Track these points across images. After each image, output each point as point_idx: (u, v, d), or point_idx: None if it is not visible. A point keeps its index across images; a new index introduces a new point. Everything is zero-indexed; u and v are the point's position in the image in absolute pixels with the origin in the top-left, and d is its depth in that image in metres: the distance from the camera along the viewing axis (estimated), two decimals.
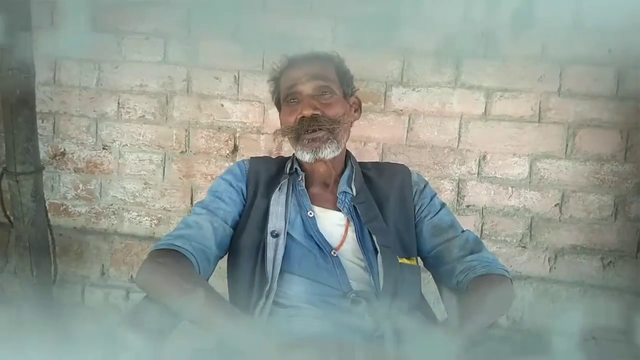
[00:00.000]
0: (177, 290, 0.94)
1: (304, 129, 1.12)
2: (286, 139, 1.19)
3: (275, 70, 1.23)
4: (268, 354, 0.86)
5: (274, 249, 1.08)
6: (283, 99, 1.18)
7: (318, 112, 1.11)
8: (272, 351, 0.85)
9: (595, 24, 1.69)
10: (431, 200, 1.21)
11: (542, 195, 1.79)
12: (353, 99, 1.25)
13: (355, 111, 1.25)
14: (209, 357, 1.08)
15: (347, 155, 1.25)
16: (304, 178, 1.17)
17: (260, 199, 1.15)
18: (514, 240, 1.81)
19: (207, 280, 1.07)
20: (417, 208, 1.20)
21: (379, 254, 1.08)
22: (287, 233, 1.10)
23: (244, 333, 0.89)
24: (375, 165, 1.29)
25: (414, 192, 1.22)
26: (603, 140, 1.75)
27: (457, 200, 1.81)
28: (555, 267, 1.81)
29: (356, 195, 1.16)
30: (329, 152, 1.13)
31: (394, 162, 1.36)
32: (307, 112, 1.11)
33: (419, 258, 1.19)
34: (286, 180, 1.17)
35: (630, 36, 1.68)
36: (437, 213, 1.20)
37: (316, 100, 1.13)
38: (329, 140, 1.12)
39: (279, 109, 1.24)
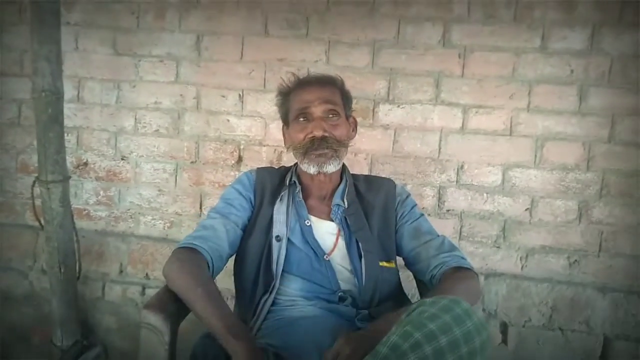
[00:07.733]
0: (183, 287, 1.09)
1: (314, 148, 1.24)
2: (292, 151, 1.30)
3: (285, 87, 1.34)
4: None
5: (278, 251, 1.23)
6: (294, 116, 1.28)
7: (327, 134, 1.24)
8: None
9: (559, 48, 1.85)
10: (412, 209, 1.35)
11: (514, 201, 1.92)
12: (351, 119, 1.37)
13: (352, 130, 1.37)
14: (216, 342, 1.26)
15: (343, 168, 1.37)
16: (301, 190, 1.32)
17: (266, 207, 1.30)
18: (489, 241, 1.95)
19: (218, 273, 1.24)
20: (398, 215, 1.34)
21: (362, 258, 1.23)
22: (288, 238, 1.25)
23: (229, 337, 0.98)
24: (366, 178, 1.42)
25: (396, 202, 1.35)
26: (568, 151, 1.87)
27: (438, 205, 1.96)
28: (526, 265, 1.94)
29: (348, 207, 1.30)
30: (331, 168, 1.26)
31: (382, 175, 1.48)
32: (318, 133, 1.23)
33: (399, 259, 1.34)
34: (286, 191, 1.32)
35: (590, 58, 1.84)
36: (416, 219, 1.34)
37: (325, 122, 1.24)
38: (333, 158, 1.25)
39: (286, 122, 1.34)
